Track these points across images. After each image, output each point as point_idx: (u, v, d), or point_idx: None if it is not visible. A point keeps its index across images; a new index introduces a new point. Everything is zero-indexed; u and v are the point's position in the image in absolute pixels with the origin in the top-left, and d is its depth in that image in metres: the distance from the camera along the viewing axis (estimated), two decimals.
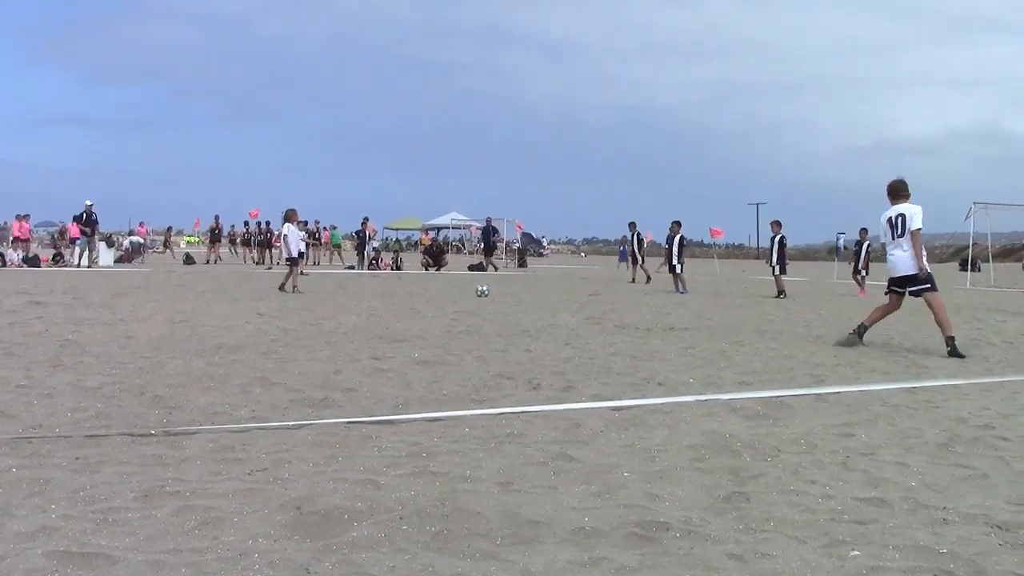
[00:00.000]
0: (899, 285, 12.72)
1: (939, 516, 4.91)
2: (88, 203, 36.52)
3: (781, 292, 24.99)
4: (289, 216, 25.89)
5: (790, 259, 27.12)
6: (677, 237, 27.61)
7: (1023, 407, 8.31)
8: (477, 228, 77.53)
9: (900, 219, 12.34)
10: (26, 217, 41.12)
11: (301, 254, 28.24)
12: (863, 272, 28.31)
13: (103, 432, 6.55)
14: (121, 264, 41.55)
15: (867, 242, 29.14)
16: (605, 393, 8.63)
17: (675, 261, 27.30)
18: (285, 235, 25.09)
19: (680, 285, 26.90)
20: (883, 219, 12.63)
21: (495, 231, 46.65)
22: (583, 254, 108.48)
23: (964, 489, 5.49)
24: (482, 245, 43.72)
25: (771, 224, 27.14)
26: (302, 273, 31.38)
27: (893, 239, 12.48)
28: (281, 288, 23.31)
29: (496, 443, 6.46)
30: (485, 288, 23.23)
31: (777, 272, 25.47)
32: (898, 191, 12.56)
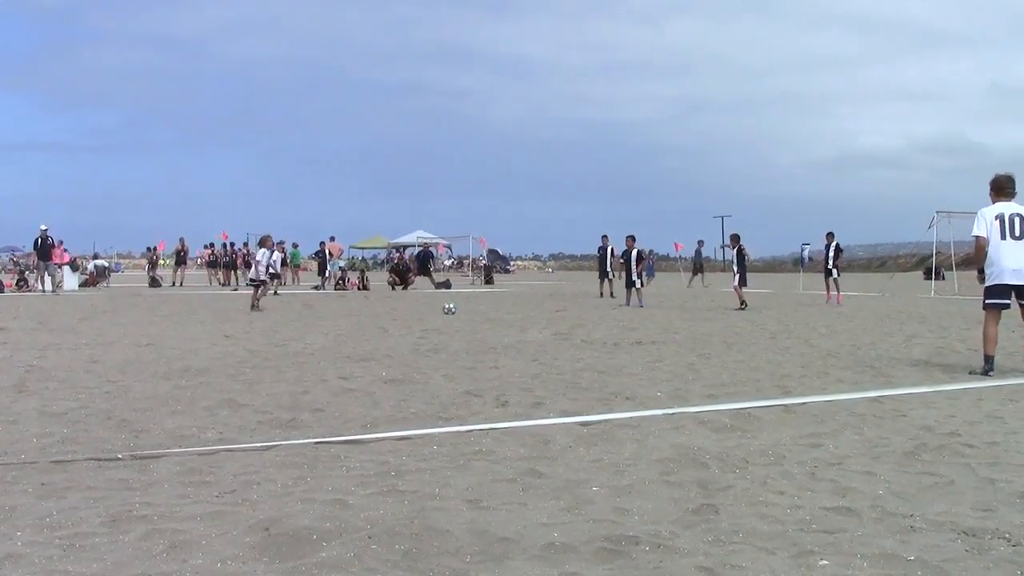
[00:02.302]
0: (1017, 294, 11.35)
1: (906, 524, 4.94)
2: (43, 227, 35.82)
3: (743, 304, 25.01)
4: (263, 241, 26.80)
5: (756, 271, 27.17)
6: (633, 252, 27.67)
7: (988, 414, 8.37)
8: (444, 246, 77.70)
9: (1020, 219, 11.19)
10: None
11: (275, 275, 29.08)
12: (834, 272, 28.28)
13: (69, 457, 6.50)
14: (86, 288, 41.20)
15: (835, 243, 29.22)
16: (573, 408, 8.64)
17: (633, 276, 27.38)
18: (257, 259, 25.66)
19: (638, 299, 26.94)
20: (990, 215, 11.27)
21: (431, 255, 48.05)
22: (550, 270, 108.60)
23: (931, 496, 5.53)
24: (416, 265, 44.90)
25: (730, 238, 27.27)
26: (274, 293, 31.68)
27: (1005, 238, 11.14)
28: (252, 307, 23.96)
29: (465, 460, 6.45)
30: (452, 306, 23.26)
31: (736, 283, 25.53)
32: (1003, 187, 11.42)
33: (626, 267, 27.99)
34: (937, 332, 17.58)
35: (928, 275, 47.66)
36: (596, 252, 35.07)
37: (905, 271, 71.02)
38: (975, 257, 11.72)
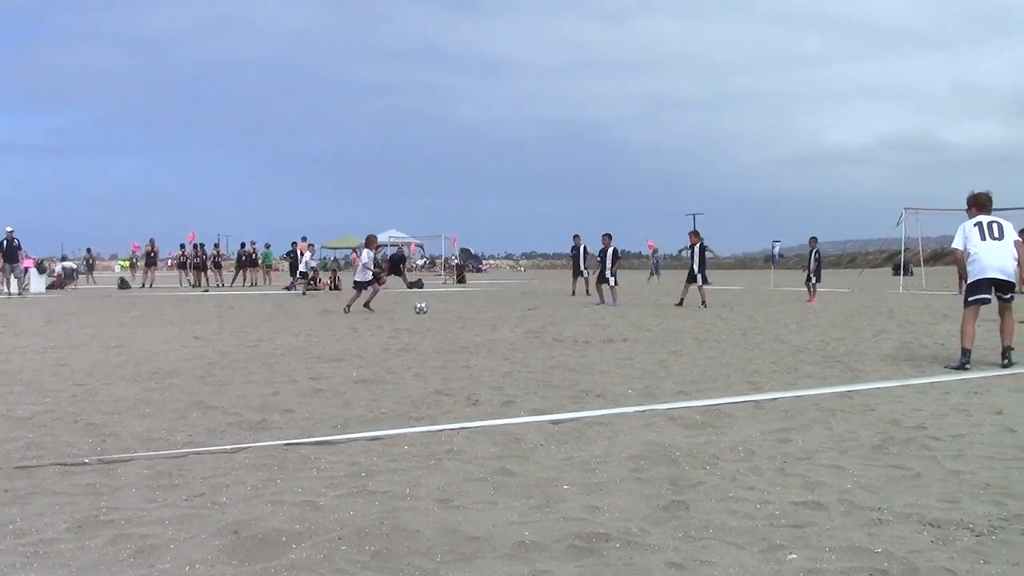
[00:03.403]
0: (997, 288, 11.87)
1: (874, 516, 4.97)
2: (8, 229, 35.41)
3: (702, 302, 25.04)
4: (368, 242, 25.81)
5: (728, 268, 27.29)
6: (610, 250, 27.56)
7: (954, 407, 8.45)
8: (416, 245, 77.76)
9: (997, 225, 11.86)
10: None
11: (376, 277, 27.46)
12: (814, 279, 28.39)
13: (34, 463, 6.43)
14: (53, 291, 40.90)
15: (816, 249, 29.30)
16: (544, 407, 8.64)
17: (607, 274, 27.29)
18: (363, 260, 25.04)
19: (612, 297, 26.92)
20: (970, 224, 11.91)
21: (403, 258, 49.29)
22: (522, 268, 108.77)
23: (898, 489, 5.57)
24: (389, 265, 46.13)
25: (689, 235, 27.19)
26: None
27: (985, 239, 11.70)
28: (366, 306, 23.69)
29: (435, 460, 6.44)
30: (423, 305, 23.24)
31: (699, 283, 25.53)
32: (984, 204, 12.16)
33: (601, 265, 27.87)
34: (905, 327, 17.72)
35: (896, 271, 48.06)
36: (569, 252, 34.90)
37: (874, 267, 71.55)
38: (957, 266, 12.49)
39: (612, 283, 27.18)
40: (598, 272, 28.06)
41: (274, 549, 4.50)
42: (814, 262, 28.75)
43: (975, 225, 11.86)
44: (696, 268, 25.74)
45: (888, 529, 4.75)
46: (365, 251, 25.29)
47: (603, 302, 26.71)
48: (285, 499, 5.41)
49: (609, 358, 12.63)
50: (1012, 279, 11.68)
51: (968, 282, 11.92)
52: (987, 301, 11.76)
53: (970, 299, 11.81)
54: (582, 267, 32.94)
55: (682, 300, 25.42)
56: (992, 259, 11.59)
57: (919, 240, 43.57)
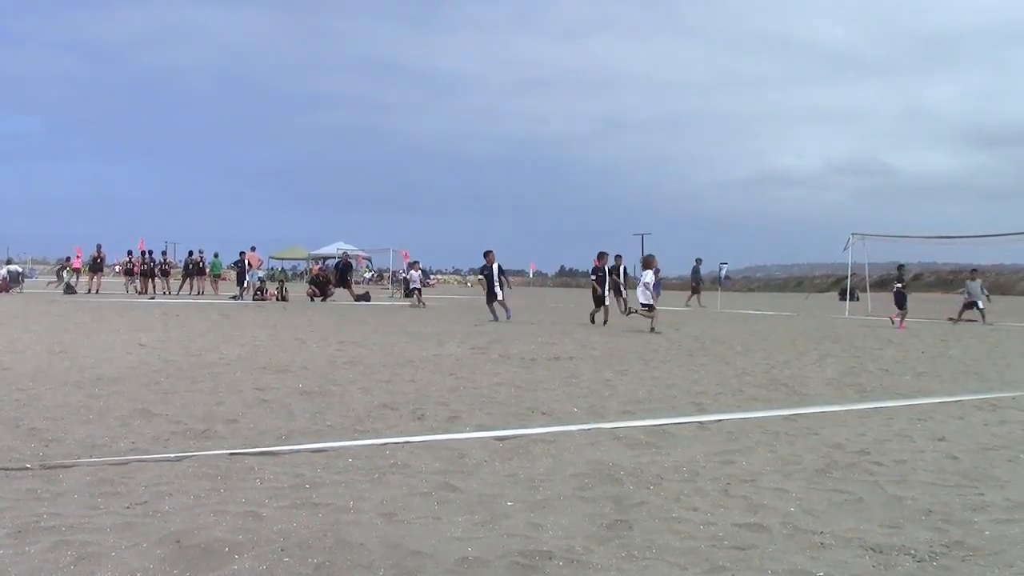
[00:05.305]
0: None
1: (816, 540, 5.02)
2: None
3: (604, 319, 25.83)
4: (647, 262, 25.04)
5: (674, 289, 27.56)
6: (494, 266, 27.63)
7: (897, 433, 8.54)
8: (364, 258, 77.30)
9: None
10: None
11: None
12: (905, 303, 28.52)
13: None
14: None
15: (903, 281, 29.89)
16: (489, 423, 8.64)
17: (496, 289, 27.43)
18: (646, 282, 24.21)
19: (505, 310, 27.44)
20: None
21: (349, 267, 47.75)
22: (470, 284, 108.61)
23: (840, 513, 5.62)
24: (336, 276, 44.87)
25: (605, 256, 27.70)
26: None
27: None
28: (652, 329, 22.79)
29: (380, 474, 6.43)
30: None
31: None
32: None
33: (488, 283, 27.87)
34: (850, 352, 17.88)
35: (843, 296, 48.44)
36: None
37: (821, 291, 72.18)
38: None
39: (500, 297, 27.33)
40: (486, 291, 28.09)
41: (216, 559, 4.47)
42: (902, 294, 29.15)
43: None
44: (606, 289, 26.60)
45: (830, 553, 4.80)
46: (647, 272, 24.49)
47: (496, 318, 26.74)
48: (228, 509, 5.38)
49: (555, 376, 12.65)
50: None
51: None
52: None
53: None
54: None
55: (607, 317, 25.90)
56: None
57: (866, 266, 43.97)
